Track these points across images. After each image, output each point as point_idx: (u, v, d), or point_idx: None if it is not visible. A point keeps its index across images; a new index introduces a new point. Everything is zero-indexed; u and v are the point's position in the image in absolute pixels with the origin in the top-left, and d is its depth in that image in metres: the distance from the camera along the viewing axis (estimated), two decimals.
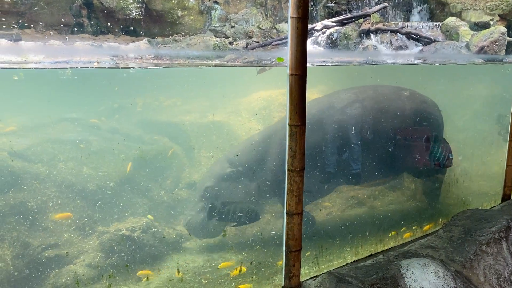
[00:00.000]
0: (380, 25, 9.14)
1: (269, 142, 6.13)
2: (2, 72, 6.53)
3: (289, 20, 3.24)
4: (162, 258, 5.37)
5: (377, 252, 4.03)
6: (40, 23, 8.29)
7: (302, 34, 3.25)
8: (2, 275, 4.47)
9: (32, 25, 8.20)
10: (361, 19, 9.31)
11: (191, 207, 6.02)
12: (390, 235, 5.45)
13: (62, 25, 8.56)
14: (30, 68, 6.26)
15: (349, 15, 9.31)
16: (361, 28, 9.14)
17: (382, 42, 8.99)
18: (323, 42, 8.85)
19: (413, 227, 5.62)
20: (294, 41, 3.24)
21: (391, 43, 9.02)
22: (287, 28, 3.29)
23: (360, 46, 8.92)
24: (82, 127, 7.60)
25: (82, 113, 8.20)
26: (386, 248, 4.19)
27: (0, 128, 6.63)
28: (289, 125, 3.38)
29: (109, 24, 8.98)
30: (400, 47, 9.02)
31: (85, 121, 7.89)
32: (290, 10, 3.25)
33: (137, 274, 4.91)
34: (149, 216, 5.77)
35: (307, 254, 4.89)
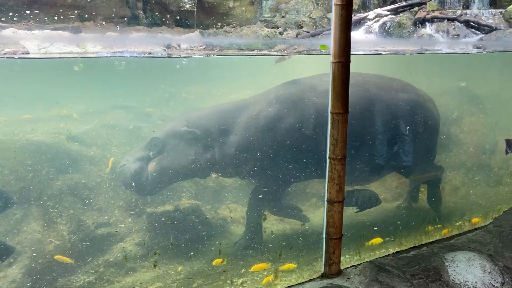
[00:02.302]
0: (436, 13, 8.78)
1: (239, 114, 5.66)
2: (65, 62, 6.91)
3: (333, 7, 3.22)
4: (205, 239, 5.54)
5: (421, 244, 3.95)
6: (99, 16, 8.67)
7: (346, 21, 3.22)
8: (59, 249, 4.83)
9: (91, 18, 8.61)
10: (417, 7, 8.98)
11: (130, 153, 5.66)
12: (434, 228, 5.31)
13: (119, 18, 8.91)
14: (89, 57, 6.60)
15: (404, 3, 9.00)
16: (416, 16, 8.81)
17: (438, 31, 8.64)
18: (375, 31, 8.63)
19: (458, 223, 5.42)
20: (338, 29, 3.22)
21: (447, 32, 8.64)
22: (331, 16, 3.27)
23: (414, 35, 8.62)
24: (135, 114, 7.93)
25: (134, 101, 8.55)
26: (431, 240, 4.09)
27: (60, 113, 7.07)
28: (331, 113, 3.37)
29: (163, 16, 9.23)
30: (457, 36, 8.63)
31: (138, 109, 8.23)
32: None
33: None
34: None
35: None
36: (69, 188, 5.33)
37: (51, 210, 5.03)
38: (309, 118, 5.59)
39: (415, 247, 3.91)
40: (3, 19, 7.43)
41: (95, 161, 5.92)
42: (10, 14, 7.48)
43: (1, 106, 6.79)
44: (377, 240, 5.11)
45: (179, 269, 4.97)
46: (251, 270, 4.74)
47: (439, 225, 5.43)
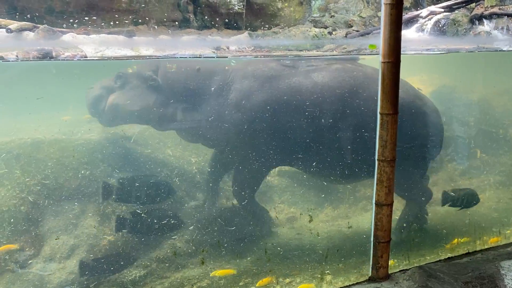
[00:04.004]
0: (495, 9, 8.36)
1: (210, 77, 5.46)
2: (120, 64, 7.20)
3: (383, 6, 3.17)
4: (252, 239, 5.59)
5: (475, 251, 3.80)
6: (151, 20, 8.98)
7: (396, 20, 3.17)
8: (112, 244, 5.06)
9: (144, 22, 8.93)
10: (473, 4, 8.60)
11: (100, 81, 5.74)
12: (489, 235, 5.06)
13: (170, 21, 9.18)
14: (142, 58, 6.83)
15: (460, 0, 8.65)
16: (473, 13, 8.44)
17: (496, 28, 8.24)
18: (428, 30, 8.36)
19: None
20: (388, 28, 3.18)
21: (508, 28, 8.23)
22: (381, 15, 3.22)
23: (471, 32, 8.27)
24: None
25: None
26: (486, 247, 3.92)
27: None
28: (380, 113, 3.33)
29: (212, 18, 9.40)
30: None
31: None
32: None
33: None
34: None
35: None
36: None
37: (105, 206, 5.28)
38: (281, 98, 5.30)
39: (468, 254, 3.77)
40: (64, 25, 7.89)
41: (147, 160, 6.14)
42: (71, 20, 7.92)
43: (64, 107, 7.17)
44: (459, 240, 4.96)
45: (224, 273, 5.00)
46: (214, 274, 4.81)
47: (494, 232, 5.19)
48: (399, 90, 5.44)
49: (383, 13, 3.18)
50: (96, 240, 5.00)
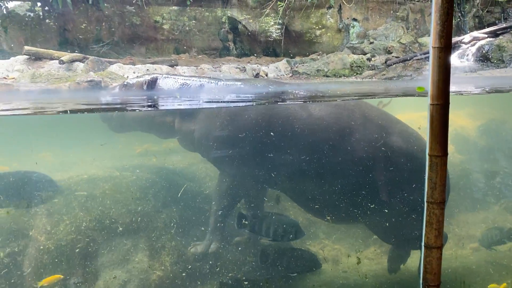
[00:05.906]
0: None
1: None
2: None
3: (431, 49, 3.18)
4: (298, 277, 5.51)
5: None
6: (193, 49, 9.30)
7: (445, 63, 3.16)
8: (162, 279, 5.12)
9: (186, 51, 9.25)
10: None
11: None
12: None
13: (211, 50, 9.48)
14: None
15: (504, 25, 8.49)
16: None
17: None
18: (471, 56, 8.22)
19: None
20: (436, 71, 3.17)
21: None
22: (429, 58, 3.23)
23: None
24: None
25: None
26: None
27: (168, 147, 7.52)
28: (430, 155, 3.29)
29: (251, 46, 9.62)
30: None
31: None
32: (432, 40, 3.19)
33: None
34: None
35: None
36: (172, 220, 5.64)
37: (155, 241, 5.38)
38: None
39: None
40: (111, 55, 8.28)
41: (194, 195, 6.22)
42: (116, 49, 8.32)
43: (116, 140, 7.34)
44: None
45: None
46: None
47: None
48: (397, 135, 5.34)
49: (431, 56, 3.18)
50: (146, 275, 5.09)
